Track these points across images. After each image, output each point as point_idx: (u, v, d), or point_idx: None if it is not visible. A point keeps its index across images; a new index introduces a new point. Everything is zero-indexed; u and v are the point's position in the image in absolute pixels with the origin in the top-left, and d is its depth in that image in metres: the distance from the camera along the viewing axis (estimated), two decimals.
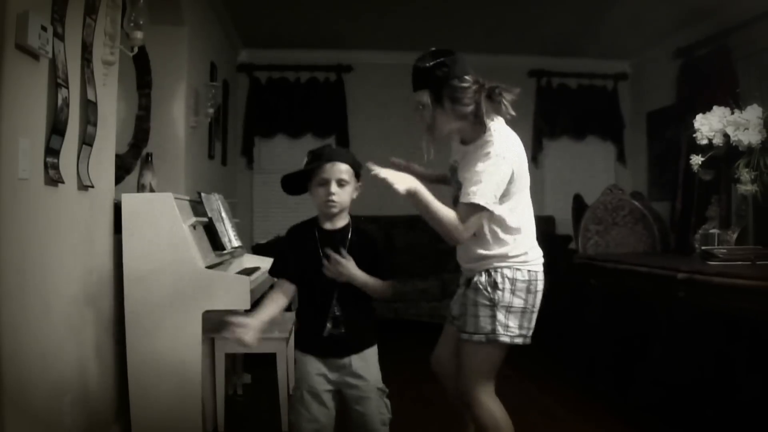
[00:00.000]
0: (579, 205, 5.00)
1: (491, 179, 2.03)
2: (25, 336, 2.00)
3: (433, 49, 2.27)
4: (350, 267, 2.01)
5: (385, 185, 1.99)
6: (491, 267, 2.14)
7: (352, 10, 5.26)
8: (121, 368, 2.73)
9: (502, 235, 2.15)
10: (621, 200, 4.08)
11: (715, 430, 2.92)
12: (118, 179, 3.00)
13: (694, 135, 3.29)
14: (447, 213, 2.05)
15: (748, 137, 3.01)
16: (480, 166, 2.04)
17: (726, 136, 3.14)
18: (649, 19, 5.20)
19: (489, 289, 2.11)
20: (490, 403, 2.19)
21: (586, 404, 3.46)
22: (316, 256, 2.04)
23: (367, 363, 2.08)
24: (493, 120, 2.14)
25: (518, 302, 2.13)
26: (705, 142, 3.23)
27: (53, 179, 2.14)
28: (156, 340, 2.67)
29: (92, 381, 2.51)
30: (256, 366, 3.72)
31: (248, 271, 3.19)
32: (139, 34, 2.91)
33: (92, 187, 2.48)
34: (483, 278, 2.13)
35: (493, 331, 2.09)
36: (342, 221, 2.11)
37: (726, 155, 3.20)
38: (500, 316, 2.09)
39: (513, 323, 2.12)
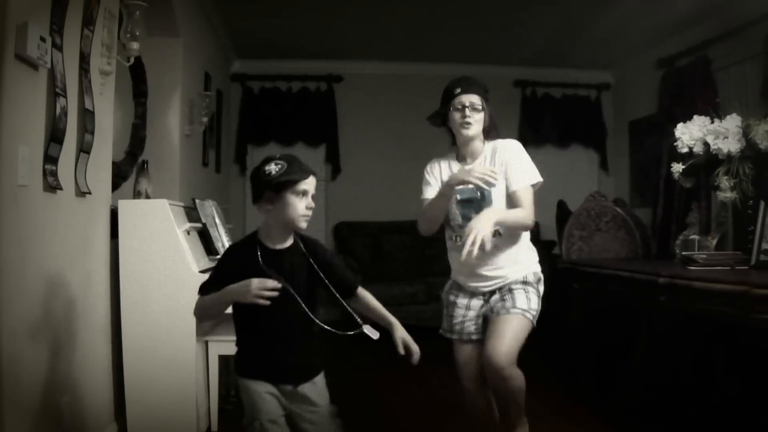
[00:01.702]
0: (563, 212, 5.05)
1: (529, 161, 2.45)
2: (24, 338, 2.02)
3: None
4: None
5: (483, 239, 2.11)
6: (528, 270, 2.43)
7: (343, 21, 5.32)
8: (118, 370, 2.75)
9: (527, 240, 2.48)
10: (604, 207, 4.11)
11: (695, 429, 2.96)
12: (115, 186, 3.04)
13: (675, 143, 3.30)
14: (516, 213, 2.34)
15: (728, 146, 3.02)
16: (520, 157, 2.44)
17: (706, 144, 3.15)
18: (631, 30, 5.27)
19: (536, 284, 2.42)
20: (519, 371, 2.37)
21: (570, 405, 3.48)
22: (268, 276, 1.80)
23: (317, 387, 1.95)
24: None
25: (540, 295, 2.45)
26: (686, 150, 3.24)
27: (52, 186, 2.16)
28: (151, 343, 2.71)
29: (89, 382, 2.53)
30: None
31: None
32: (135, 45, 2.93)
33: (89, 193, 2.51)
34: (528, 277, 2.41)
35: (536, 316, 2.38)
36: (289, 240, 1.92)
37: (706, 163, 3.21)
38: (539, 307, 2.40)
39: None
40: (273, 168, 1.83)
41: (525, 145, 6.97)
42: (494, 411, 2.53)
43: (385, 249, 6.20)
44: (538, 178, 2.43)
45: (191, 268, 2.74)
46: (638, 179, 6.29)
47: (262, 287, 1.73)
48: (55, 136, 2.19)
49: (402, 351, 1.97)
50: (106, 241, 2.76)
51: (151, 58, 3.64)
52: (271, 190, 1.84)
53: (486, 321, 2.42)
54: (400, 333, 1.99)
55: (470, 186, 2.30)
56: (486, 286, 2.43)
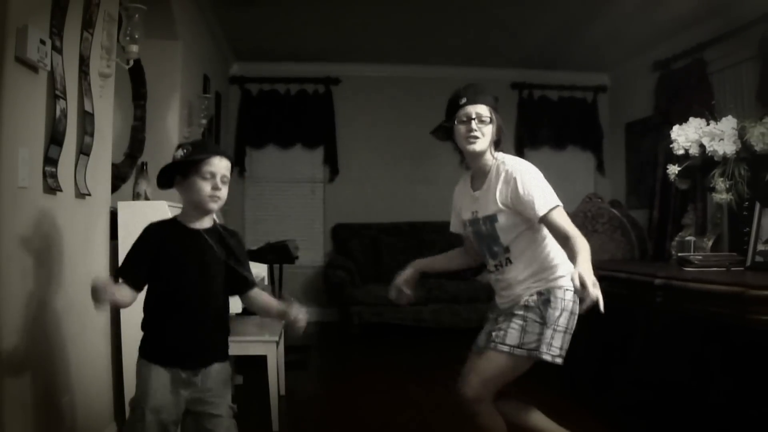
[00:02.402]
0: None
1: (543, 183, 2.19)
2: (25, 338, 2.03)
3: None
4: (301, 311, 1.92)
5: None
6: (543, 288, 2.16)
7: (340, 24, 5.35)
8: (118, 370, 2.76)
9: (551, 255, 2.19)
10: (600, 208, 4.12)
11: (691, 429, 2.98)
12: (114, 188, 3.05)
13: (671, 145, 3.33)
14: (582, 241, 2.04)
15: (723, 147, 3.04)
16: (532, 183, 2.16)
17: (702, 146, 3.17)
18: (627, 33, 5.31)
19: (541, 307, 2.12)
20: (494, 413, 2.27)
21: (567, 406, 3.48)
22: (179, 257, 1.86)
23: (220, 377, 1.91)
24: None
25: (563, 322, 2.13)
26: (681, 152, 3.26)
27: (52, 187, 2.17)
28: None
29: (89, 383, 2.54)
30: (247, 368, 3.77)
31: None
32: (134, 48, 2.94)
33: (89, 195, 2.52)
34: (535, 297, 2.15)
35: (537, 348, 2.11)
36: (207, 221, 1.93)
37: (702, 165, 3.23)
38: (548, 334, 2.10)
39: (557, 343, 2.12)
40: (179, 153, 1.92)
41: (522, 147, 7.00)
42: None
43: (382, 250, 6.22)
44: (556, 200, 2.18)
45: None
46: (634, 181, 6.32)
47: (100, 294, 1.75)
48: (55, 138, 2.20)
49: (292, 318, 1.91)
50: (106, 242, 2.76)
51: (150, 61, 3.66)
52: (180, 174, 1.90)
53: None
54: (294, 311, 1.92)
55: (479, 218, 2.23)
56: (501, 306, 2.31)
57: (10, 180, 1.93)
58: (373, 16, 5.13)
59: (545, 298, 2.13)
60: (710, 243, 3.31)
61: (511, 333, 2.13)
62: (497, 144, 2.27)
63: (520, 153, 6.73)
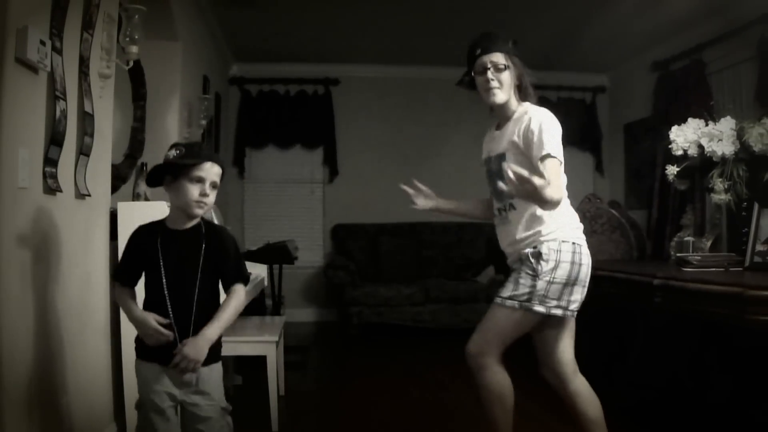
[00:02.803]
0: None
1: (556, 135, 2.20)
2: (25, 339, 2.04)
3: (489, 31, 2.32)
4: (188, 348, 1.82)
5: None
6: (538, 241, 2.18)
7: (339, 25, 5.36)
8: (117, 370, 2.77)
9: (553, 212, 2.19)
10: (599, 209, 4.12)
11: (690, 429, 2.99)
12: (114, 188, 3.05)
13: (670, 146, 3.33)
14: (556, 192, 2.06)
15: (722, 148, 3.05)
16: (543, 126, 2.16)
17: (700, 147, 3.17)
18: (626, 33, 5.32)
19: (533, 259, 2.16)
20: (500, 370, 2.29)
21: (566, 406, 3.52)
22: (159, 258, 1.88)
23: (212, 378, 1.93)
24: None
25: (561, 274, 2.15)
26: (680, 152, 3.27)
27: (52, 188, 2.18)
28: None
29: (89, 383, 2.54)
30: (247, 368, 3.78)
31: None
32: (134, 49, 2.94)
33: (89, 195, 2.52)
34: (530, 250, 2.18)
35: (529, 299, 2.14)
36: (190, 223, 1.94)
37: (700, 165, 3.24)
38: (540, 286, 2.13)
39: (553, 294, 2.15)
40: (171, 153, 1.91)
41: None
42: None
43: (382, 251, 6.23)
44: (560, 156, 2.19)
45: None
46: (633, 181, 6.34)
47: (155, 335, 1.83)
48: (55, 139, 2.21)
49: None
50: (106, 242, 2.77)
51: (150, 62, 3.66)
52: (170, 174, 1.90)
53: None
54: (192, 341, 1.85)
55: (492, 156, 2.26)
56: (510, 258, 2.34)
57: (10, 180, 1.93)
58: (372, 17, 5.14)
59: (538, 251, 2.16)
60: (709, 243, 3.30)
61: (507, 285, 2.19)
62: (521, 89, 2.27)
63: None
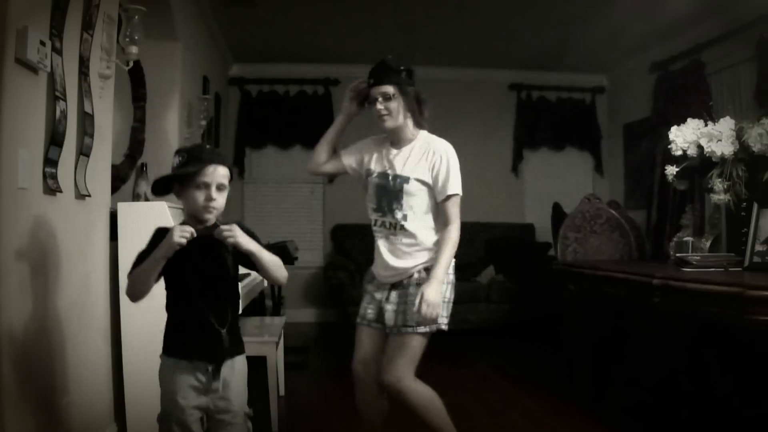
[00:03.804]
0: (558, 214, 5.08)
1: (457, 170, 2.34)
2: (25, 339, 2.04)
3: (390, 56, 2.49)
4: (240, 232, 1.83)
5: None
6: (429, 264, 2.34)
7: (339, 25, 5.36)
8: (117, 371, 2.77)
9: (437, 232, 2.38)
10: (598, 209, 4.13)
11: (689, 429, 2.99)
12: (114, 189, 3.05)
13: (669, 146, 3.33)
14: (447, 250, 2.32)
15: (721, 148, 3.04)
16: (450, 165, 2.33)
17: (700, 147, 3.17)
18: (625, 34, 5.31)
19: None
20: (419, 386, 2.36)
21: (565, 406, 3.51)
22: (178, 258, 1.82)
23: (235, 383, 1.91)
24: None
25: (449, 295, 2.41)
26: (679, 152, 3.26)
27: (51, 188, 2.18)
28: (151, 343, 2.68)
29: (89, 383, 2.55)
30: (247, 368, 3.77)
31: (239, 277, 3.25)
32: (134, 49, 2.95)
33: (89, 196, 2.53)
34: (424, 274, 2.33)
35: (436, 320, 2.30)
36: (208, 222, 1.92)
37: (700, 166, 3.23)
38: (444, 306, 2.36)
39: (446, 312, 2.38)
40: (175, 160, 1.89)
41: (520, 148, 7.04)
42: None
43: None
44: (460, 192, 2.34)
45: None
46: (632, 182, 6.34)
47: (182, 230, 1.78)
48: (54, 140, 2.21)
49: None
50: (106, 243, 2.77)
51: (150, 62, 3.66)
52: (176, 183, 1.89)
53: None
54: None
55: (389, 173, 2.36)
56: (387, 280, 2.42)
57: (10, 181, 1.94)
58: (372, 17, 5.14)
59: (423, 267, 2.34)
60: (708, 243, 3.30)
61: (414, 315, 2.26)
62: (415, 117, 2.38)
63: (518, 153, 6.78)
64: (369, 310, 2.43)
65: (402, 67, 2.39)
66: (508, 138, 6.77)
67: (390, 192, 2.35)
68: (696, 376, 3.10)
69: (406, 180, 2.34)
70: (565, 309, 3.83)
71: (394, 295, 2.36)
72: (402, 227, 2.34)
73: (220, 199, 1.87)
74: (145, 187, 3.18)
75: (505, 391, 3.82)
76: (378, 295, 2.41)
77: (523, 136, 6.77)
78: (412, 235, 2.34)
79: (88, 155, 2.53)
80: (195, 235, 1.79)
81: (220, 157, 1.91)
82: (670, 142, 3.34)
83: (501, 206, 6.72)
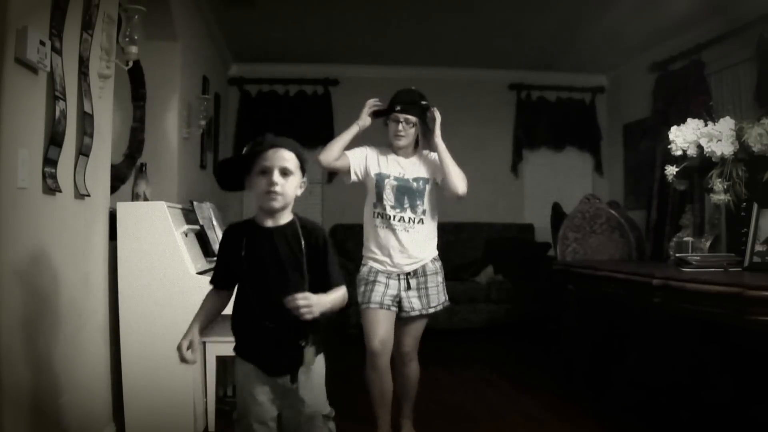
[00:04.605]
0: (557, 214, 5.08)
1: None
2: (24, 338, 2.04)
3: (415, 88, 3.01)
4: (316, 300, 1.70)
5: None
6: (434, 254, 2.90)
7: (339, 25, 5.35)
8: (116, 370, 2.77)
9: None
10: (598, 209, 4.13)
11: (689, 430, 2.99)
12: (114, 188, 3.06)
13: (669, 146, 3.33)
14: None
15: (721, 148, 3.04)
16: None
17: (700, 147, 3.17)
18: (625, 34, 5.31)
19: (440, 270, 2.89)
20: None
21: (565, 406, 3.51)
22: (248, 257, 1.77)
23: (311, 383, 1.83)
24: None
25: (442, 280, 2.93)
26: (679, 153, 3.27)
27: (51, 188, 2.18)
28: (149, 343, 2.73)
29: (88, 383, 2.55)
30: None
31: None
32: (134, 49, 2.94)
33: (88, 195, 2.53)
34: (438, 263, 2.90)
35: (445, 301, 2.92)
36: (284, 218, 1.82)
37: (699, 166, 3.24)
38: (444, 289, 2.92)
39: (445, 292, 2.94)
40: (245, 150, 1.84)
41: (520, 148, 7.10)
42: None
43: None
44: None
45: (189, 269, 2.77)
46: (632, 182, 6.34)
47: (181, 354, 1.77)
48: (54, 139, 2.21)
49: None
50: (105, 242, 2.77)
51: (149, 62, 3.66)
52: (246, 174, 1.81)
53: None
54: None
55: (408, 177, 2.84)
56: (404, 269, 2.84)
57: (10, 181, 1.93)
58: (371, 17, 5.14)
59: (440, 264, 2.91)
60: (708, 244, 3.31)
61: (433, 296, 2.84)
62: (419, 142, 2.92)
63: (517, 153, 6.78)
64: (387, 297, 2.80)
65: (424, 102, 2.88)
66: (507, 138, 6.77)
67: (412, 191, 2.83)
68: (696, 376, 3.10)
69: (428, 181, 2.86)
70: (564, 309, 3.84)
71: (413, 283, 2.83)
72: (421, 221, 2.84)
73: (285, 185, 1.75)
74: (144, 187, 3.18)
75: (504, 391, 3.82)
76: (393, 284, 2.82)
77: (523, 136, 6.77)
78: (427, 228, 2.85)
79: (87, 155, 2.52)
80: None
81: (285, 142, 1.80)
82: (670, 142, 3.34)
83: (501, 206, 6.72)
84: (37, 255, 2.14)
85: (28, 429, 2.06)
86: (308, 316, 1.69)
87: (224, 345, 3.07)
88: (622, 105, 6.57)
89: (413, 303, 2.82)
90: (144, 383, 2.74)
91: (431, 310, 2.85)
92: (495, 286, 5.83)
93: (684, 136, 3.27)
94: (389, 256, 2.81)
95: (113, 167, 3.03)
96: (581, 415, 3.33)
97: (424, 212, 2.84)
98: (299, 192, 1.83)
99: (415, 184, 2.84)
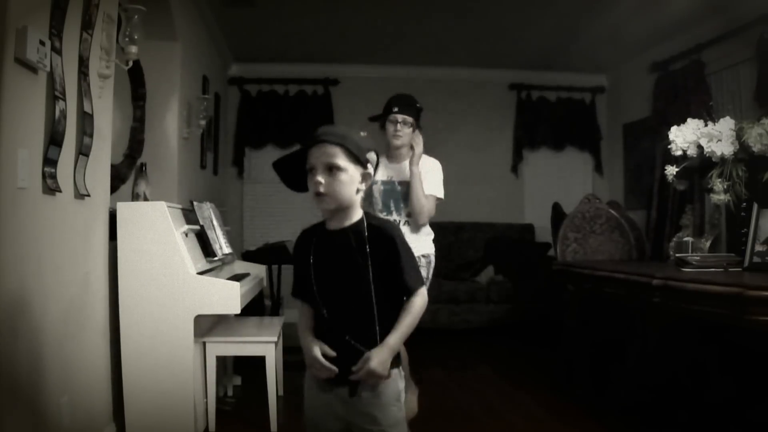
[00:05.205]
0: (557, 214, 5.08)
1: (440, 179, 3.14)
2: (24, 338, 2.04)
3: (410, 94, 3.27)
4: (374, 363, 1.53)
5: None
6: (425, 249, 3.12)
7: (339, 25, 5.35)
8: (117, 370, 2.77)
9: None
10: (598, 209, 4.13)
11: (689, 430, 2.99)
12: (114, 188, 3.06)
13: (669, 146, 3.33)
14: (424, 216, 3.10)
15: (721, 148, 3.04)
16: (433, 173, 3.11)
17: (700, 147, 3.17)
18: (625, 34, 5.31)
19: (426, 265, 3.11)
20: None
21: (565, 406, 3.51)
22: (316, 260, 1.64)
23: (380, 399, 1.61)
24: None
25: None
26: (679, 153, 3.27)
27: (51, 188, 2.18)
28: (149, 343, 2.73)
29: (88, 382, 2.55)
30: (246, 368, 3.77)
31: (238, 277, 3.26)
32: (133, 49, 2.94)
33: (88, 195, 2.53)
34: (425, 260, 3.09)
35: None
36: (349, 219, 1.64)
37: (699, 166, 3.24)
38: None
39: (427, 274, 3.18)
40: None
41: (520, 148, 7.16)
42: None
43: None
44: (441, 194, 3.13)
45: (189, 269, 2.76)
46: (632, 182, 6.33)
47: (317, 367, 1.59)
48: (54, 139, 2.21)
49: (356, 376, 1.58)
50: (105, 242, 2.77)
51: (149, 62, 3.67)
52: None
53: None
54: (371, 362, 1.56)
55: (394, 180, 3.08)
56: None
57: (10, 181, 1.93)
58: (371, 17, 5.14)
59: (429, 258, 3.12)
60: (708, 244, 3.30)
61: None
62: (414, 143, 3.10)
63: (518, 153, 6.77)
64: None
65: (419, 105, 3.16)
66: (508, 138, 6.77)
67: (397, 194, 3.08)
68: (696, 376, 3.10)
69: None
70: (564, 309, 3.84)
71: None
72: (407, 222, 3.08)
73: (332, 184, 1.58)
74: (144, 187, 3.18)
75: (504, 392, 3.82)
76: None
77: (523, 136, 6.76)
78: (413, 228, 3.08)
79: (87, 155, 2.52)
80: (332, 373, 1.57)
81: (332, 135, 1.61)
82: (670, 142, 3.34)
83: (501, 206, 6.71)
84: (38, 255, 2.14)
85: (29, 429, 2.06)
86: (375, 383, 1.57)
87: (224, 345, 3.08)
88: (622, 105, 6.56)
89: None
90: (144, 383, 2.74)
91: None
92: (495, 286, 5.83)
93: (684, 136, 3.26)
94: None
95: (113, 167, 3.03)
96: (581, 415, 3.33)
97: (409, 214, 3.09)
98: (363, 186, 1.64)
99: (400, 188, 3.09)
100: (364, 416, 1.61)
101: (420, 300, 1.62)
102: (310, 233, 1.71)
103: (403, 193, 3.09)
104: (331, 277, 1.62)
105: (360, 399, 1.61)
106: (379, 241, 1.61)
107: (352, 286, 1.60)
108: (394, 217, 3.10)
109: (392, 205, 3.11)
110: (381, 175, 3.11)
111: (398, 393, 1.65)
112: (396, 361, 1.62)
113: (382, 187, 3.12)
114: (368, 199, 3.10)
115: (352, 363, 1.57)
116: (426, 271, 3.12)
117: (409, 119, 3.08)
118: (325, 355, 1.60)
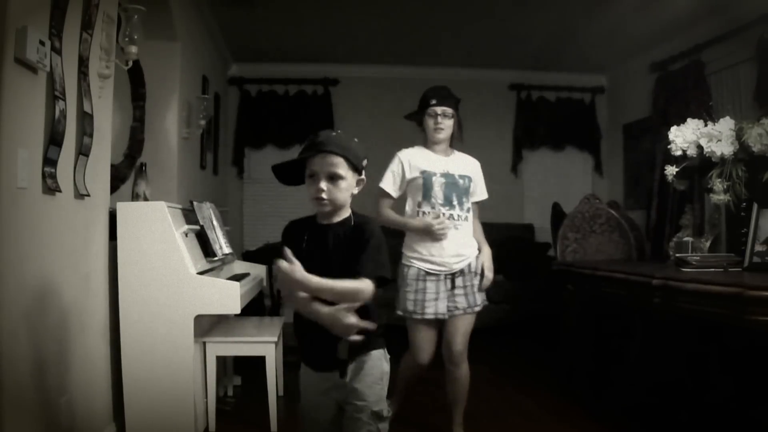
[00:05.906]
0: (557, 214, 5.08)
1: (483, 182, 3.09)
2: (24, 339, 2.04)
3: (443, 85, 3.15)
4: (296, 272, 1.61)
5: None
6: (475, 253, 2.96)
7: (339, 25, 5.35)
8: (117, 370, 2.77)
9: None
10: (598, 209, 4.13)
11: (689, 430, 2.99)
12: (113, 188, 3.06)
13: (669, 146, 3.33)
14: (480, 233, 3.11)
15: (721, 148, 3.04)
16: (480, 175, 3.08)
17: (699, 147, 3.17)
18: (625, 34, 5.31)
19: (477, 269, 2.95)
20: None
21: (565, 406, 3.51)
22: (303, 252, 1.72)
23: (361, 374, 1.78)
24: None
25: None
26: (679, 153, 3.27)
27: (51, 188, 2.18)
28: (150, 343, 2.72)
29: (88, 383, 2.55)
30: (246, 368, 3.77)
31: (238, 277, 3.26)
32: (133, 49, 2.94)
33: (88, 195, 2.53)
34: (472, 262, 2.94)
35: (486, 299, 3.01)
36: (340, 216, 1.80)
37: (699, 166, 3.24)
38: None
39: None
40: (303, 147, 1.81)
41: (519, 148, 7.18)
42: None
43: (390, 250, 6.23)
44: (485, 196, 3.13)
45: (189, 269, 2.76)
46: (632, 182, 6.33)
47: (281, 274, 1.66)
48: (54, 139, 2.21)
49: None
50: (105, 242, 2.77)
51: (149, 62, 3.67)
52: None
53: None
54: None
55: (454, 174, 2.91)
56: (449, 268, 2.89)
57: (10, 181, 1.94)
58: (372, 16, 5.14)
59: (479, 263, 2.97)
60: (708, 244, 3.30)
61: (478, 296, 2.95)
62: (453, 136, 3.00)
63: (517, 153, 6.77)
64: (440, 306, 2.87)
65: (456, 97, 3.05)
66: (507, 138, 6.76)
67: (460, 188, 2.92)
68: (696, 376, 3.10)
69: (471, 179, 2.98)
70: (564, 309, 3.83)
71: (459, 281, 2.89)
72: (467, 218, 2.96)
73: (333, 191, 1.73)
74: (144, 187, 3.18)
75: (504, 392, 3.82)
76: (442, 288, 2.87)
77: (523, 136, 6.76)
78: (470, 224, 2.99)
79: (87, 155, 2.52)
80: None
81: (335, 145, 1.74)
82: (670, 142, 3.34)
83: (500, 206, 6.69)
84: (37, 255, 2.14)
85: (29, 429, 2.06)
86: (288, 302, 1.69)
87: (224, 345, 3.08)
88: (622, 105, 6.55)
89: (458, 302, 2.89)
90: (144, 383, 2.73)
91: (477, 308, 2.93)
92: (495, 286, 5.80)
93: (684, 136, 3.26)
94: (439, 254, 2.85)
95: (113, 167, 3.03)
96: (581, 415, 3.33)
97: (468, 209, 2.96)
98: (356, 191, 1.82)
99: (461, 181, 2.94)
100: (353, 392, 1.78)
101: (360, 285, 1.69)
102: (302, 225, 1.84)
103: (464, 187, 2.94)
104: (319, 266, 1.69)
105: (349, 379, 1.78)
106: (358, 234, 1.77)
107: (336, 275, 1.68)
108: (457, 212, 2.90)
109: (455, 199, 2.90)
110: (438, 167, 2.92)
111: (382, 373, 1.83)
112: (379, 343, 1.85)
113: (443, 180, 2.91)
114: (421, 191, 2.90)
115: (335, 349, 1.74)
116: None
117: (449, 110, 2.97)
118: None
